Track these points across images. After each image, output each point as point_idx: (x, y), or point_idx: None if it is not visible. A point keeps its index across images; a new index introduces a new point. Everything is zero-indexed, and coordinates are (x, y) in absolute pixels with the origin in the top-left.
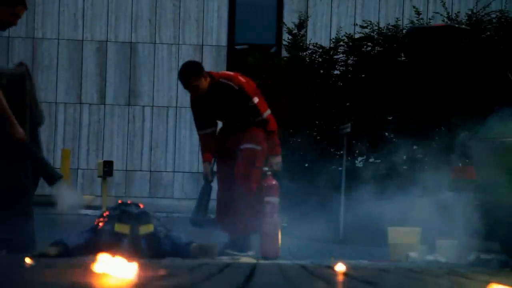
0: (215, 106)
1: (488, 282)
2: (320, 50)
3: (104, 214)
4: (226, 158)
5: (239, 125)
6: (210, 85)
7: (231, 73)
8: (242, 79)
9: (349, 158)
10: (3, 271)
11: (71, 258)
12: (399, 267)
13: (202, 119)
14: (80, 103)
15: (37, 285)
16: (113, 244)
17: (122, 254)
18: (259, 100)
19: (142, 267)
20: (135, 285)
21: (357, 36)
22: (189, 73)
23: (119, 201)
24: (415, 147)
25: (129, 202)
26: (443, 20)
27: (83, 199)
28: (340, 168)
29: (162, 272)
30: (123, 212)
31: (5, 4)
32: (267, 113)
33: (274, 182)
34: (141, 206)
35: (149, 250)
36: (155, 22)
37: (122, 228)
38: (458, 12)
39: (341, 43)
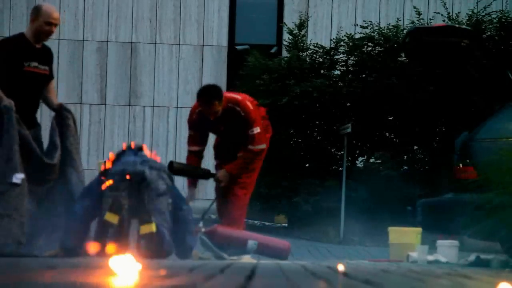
0: (219, 127)
1: (488, 282)
2: (321, 50)
3: (106, 167)
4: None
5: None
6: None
7: (239, 97)
8: (249, 105)
9: (349, 158)
10: (4, 272)
11: (71, 258)
12: (399, 267)
13: (197, 137)
14: (81, 103)
15: (37, 285)
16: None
17: (108, 243)
18: (260, 131)
19: (142, 267)
20: (135, 285)
21: (357, 36)
22: (214, 97)
23: (124, 147)
24: (415, 147)
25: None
26: (443, 20)
27: None
28: (340, 169)
29: (162, 272)
30: (115, 200)
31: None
32: (262, 146)
33: (217, 229)
34: (156, 158)
35: (148, 250)
36: (156, 22)
37: (111, 217)
38: (459, 12)
39: (342, 43)
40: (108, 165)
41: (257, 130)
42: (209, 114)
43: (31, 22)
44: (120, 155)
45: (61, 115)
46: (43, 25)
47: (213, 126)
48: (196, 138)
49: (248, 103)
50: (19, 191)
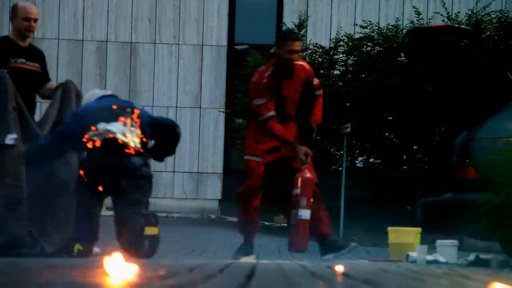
0: (283, 89)
1: (488, 282)
2: (320, 50)
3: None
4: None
5: (289, 116)
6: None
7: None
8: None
9: (349, 158)
10: (4, 271)
11: (71, 258)
12: (399, 267)
13: (270, 100)
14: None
15: (37, 285)
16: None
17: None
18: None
19: (142, 267)
20: (135, 285)
21: (357, 36)
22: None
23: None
24: (415, 147)
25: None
26: (443, 20)
27: None
28: (340, 169)
29: (162, 272)
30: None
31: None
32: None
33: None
34: (136, 112)
35: (150, 250)
36: (155, 22)
37: (152, 230)
38: (458, 12)
39: (341, 43)
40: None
41: (316, 81)
42: (294, 56)
43: (11, 22)
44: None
45: (67, 87)
46: (21, 21)
47: (280, 89)
48: (271, 103)
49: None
50: (13, 154)
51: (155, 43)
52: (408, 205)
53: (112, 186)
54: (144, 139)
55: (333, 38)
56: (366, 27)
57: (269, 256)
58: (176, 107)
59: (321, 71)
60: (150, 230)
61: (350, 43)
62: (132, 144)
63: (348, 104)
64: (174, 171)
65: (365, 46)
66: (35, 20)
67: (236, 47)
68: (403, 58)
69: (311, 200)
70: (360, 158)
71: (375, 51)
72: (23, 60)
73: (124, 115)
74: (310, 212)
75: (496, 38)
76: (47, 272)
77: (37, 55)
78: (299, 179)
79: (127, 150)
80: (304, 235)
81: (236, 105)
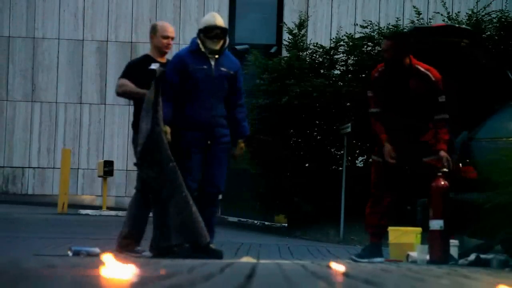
0: (402, 90)
1: (488, 282)
2: (321, 50)
3: None
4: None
5: (415, 125)
6: (408, 66)
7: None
8: (438, 75)
9: (349, 158)
10: (4, 271)
11: (71, 258)
12: (399, 267)
13: (380, 98)
14: (81, 103)
15: (37, 285)
16: None
17: None
18: (445, 101)
19: (142, 267)
20: (135, 285)
21: (357, 36)
22: None
23: None
24: None
25: None
26: (443, 20)
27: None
28: (340, 169)
29: (162, 272)
30: None
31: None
32: (447, 116)
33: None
34: None
35: None
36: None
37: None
38: (458, 12)
39: (342, 43)
40: None
41: (443, 98)
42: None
43: (151, 40)
44: None
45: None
46: (160, 39)
47: (398, 89)
48: (380, 99)
49: (437, 73)
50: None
51: None
52: (408, 205)
53: None
54: None
55: (333, 38)
56: (366, 27)
57: (269, 256)
58: None
59: (321, 71)
60: None
61: (351, 43)
62: None
63: (348, 104)
64: None
65: (365, 46)
66: (173, 38)
67: (236, 47)
68: None
69: (441, 208)
70: (360, 158)
71: (375, 51)
72: None
73: None
74: (440, 221)
75: (496, 38)
76: (47, 272)
77: None
78: (431, 187)
79: None
80: (433, 246)
81: None
